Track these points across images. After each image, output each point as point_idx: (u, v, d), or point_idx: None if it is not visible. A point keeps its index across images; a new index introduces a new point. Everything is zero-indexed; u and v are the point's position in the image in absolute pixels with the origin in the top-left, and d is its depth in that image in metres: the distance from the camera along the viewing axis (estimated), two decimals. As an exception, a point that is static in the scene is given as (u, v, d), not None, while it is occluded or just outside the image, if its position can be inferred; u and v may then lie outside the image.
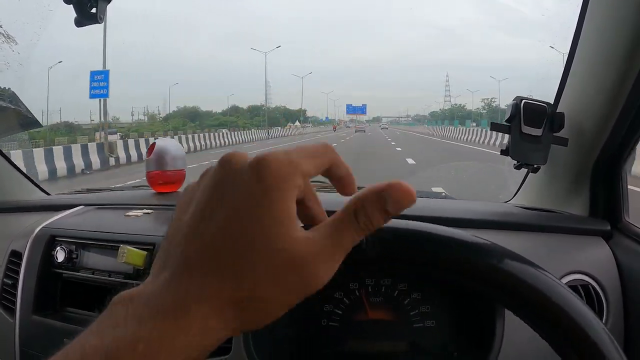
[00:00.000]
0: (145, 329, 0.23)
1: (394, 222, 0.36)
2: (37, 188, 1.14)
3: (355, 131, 48.77)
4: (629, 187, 0.77)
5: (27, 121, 1.04)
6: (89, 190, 1.16)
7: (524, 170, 0.84)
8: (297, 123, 76.52)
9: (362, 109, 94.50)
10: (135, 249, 0.69)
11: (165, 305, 0.24)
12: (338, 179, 0.30)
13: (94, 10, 0.78)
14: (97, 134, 21.46)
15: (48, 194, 1.14)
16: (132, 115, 70.26)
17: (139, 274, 0.71)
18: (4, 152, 1.06)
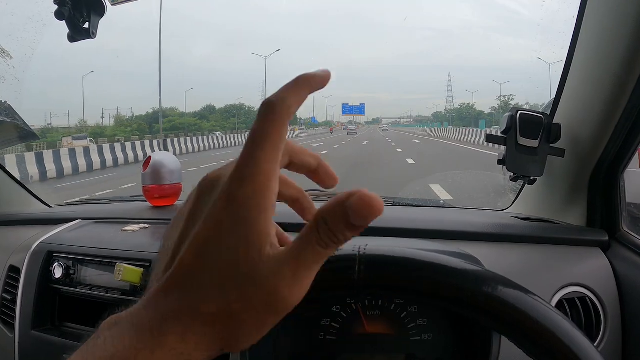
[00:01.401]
0: (124, 344, 0.24)
1: (385, 250, 0.36)
2: (36, 199, 1.14)
3: (347, 133, 46.31)
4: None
5: (24, 134, 1.05)
6: (87, 201, 1.16)
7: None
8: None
9: (359, 109, 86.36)
10: (131, 267, 0.69)
11: (146, 320, 0.25)
12: (313, 172, 0.31)
13: (86, 25, 0.78)
14: (65, 140, 20.59)
15: (49, 206, 1.15)
16: (102, 117, 63.83)
17: (135, 291, 0.71)
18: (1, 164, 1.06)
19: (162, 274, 0.27)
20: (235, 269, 0.25)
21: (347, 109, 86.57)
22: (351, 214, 0.24)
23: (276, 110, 0.26)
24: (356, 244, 0.35)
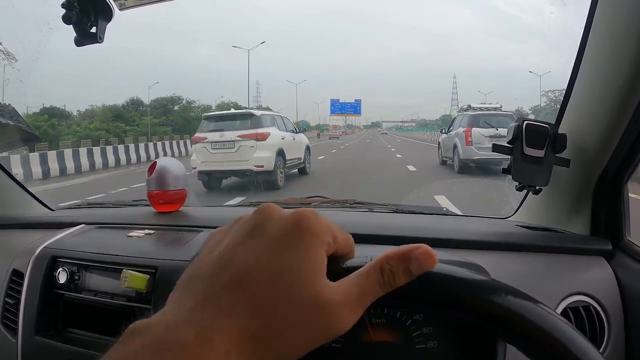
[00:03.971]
0: (172, 355, 0.23)
1: None
2: (38, 202, 1.14)
3: (329, 138, 39.89)
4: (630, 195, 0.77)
5: (27, 137, 1.04)
6: (90, 205, 1.15)
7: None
8: None
9: (354, 107, 63.26)
10: (137, 273, 0.69)
11: (187, 336, 0.24)
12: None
13: (93, 29, 0.78)
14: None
15: (51, 209, 1.14)
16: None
17: (141, 298, 0.71)
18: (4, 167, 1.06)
19: (207, 284, 0.26)
20: (296, 290, 0.26)
21: (338, 107, 63.64)
22: (413, 263, 0.29)
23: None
24: (367, 254, 0.36)
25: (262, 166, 6.66)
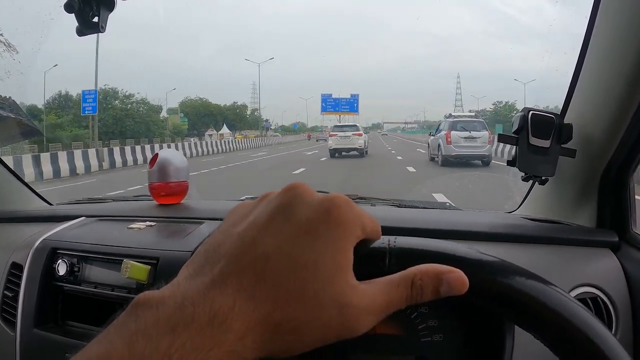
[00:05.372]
0: (180, 339, 0.22)
1: (416, 243, 0.36)
2: (38, 197, 1.13)
3: (317, 140, 36.01)
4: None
5: (28, 130, 1.04)
6: (90, 200, 1.15)
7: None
8: (222, 131, 44.05)
9: (350, 104, 49.87)
10: (138, 264, 0.68)
11: (203, 314, 0.23)
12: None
13: (95, 19, 0.78)
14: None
15: (50, 204, 1.13)
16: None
17: (142, 289, 0.70)
18: (4, 160, 1.05)
19: (226, 261, 0.25)
20: (321, 283, 0.25)
21: (330, 105, 49.63)
22: (445, 285, 0.29)
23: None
24: (385, 238, 0.35)
25: (361, 147, 15.73)
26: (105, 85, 34.49)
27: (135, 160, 15.26)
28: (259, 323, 0.24)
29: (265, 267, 0.25)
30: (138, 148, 16.21)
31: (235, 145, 26.22)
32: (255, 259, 0.25)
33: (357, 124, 18.60)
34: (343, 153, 15.47)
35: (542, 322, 0.32)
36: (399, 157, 15.09)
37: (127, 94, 36.00)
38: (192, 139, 29.70)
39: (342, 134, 15.81)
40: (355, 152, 15.54)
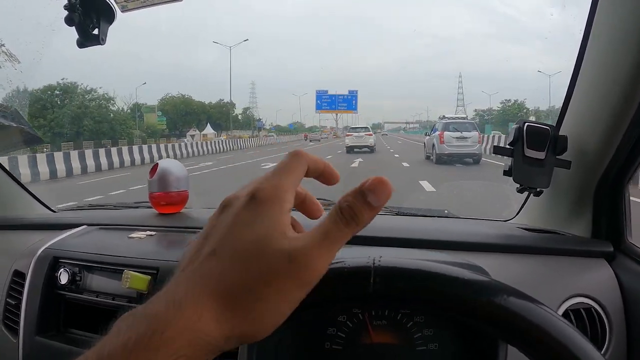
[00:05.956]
0: (137, 332, 0.25)
1: (401, 262, 0.36)
2: (40, 204, 1.14)
3: (310, 140, 34.62)
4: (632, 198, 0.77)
5: (29, 138, 1.05)
6: (91, 206, 1.16)
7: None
8: (202, 131, 38.51)
9: (348, 102, 44.76)
10: (138, 274, 0.69)
11: (159, 306, 0.26)
12: (320, 175, 0.34)
13: (96, 31, 0.79)
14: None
15: (51, 210, 1.14)
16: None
17: (142, 298, 0.71)
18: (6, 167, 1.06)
19: (182, 262, 0.30)
20: (263, 247, 0.28)
21: (326, 102, 44.42)
22: (368, 194, 0.30)
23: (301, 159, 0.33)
24: (370, 255, 0.36)
25: (371, 144, 18.70)
26: (63, 80, 29.26)
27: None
28: (213, 299, 0.27)
29: (215, 252, 0.29)
30: (75, 153, 11.94)
31: (218, 147, 22.09)
32: (208, 249, 0.29)
33: (368, 126, 22.41)
34: (355, 150, 18.73)
35: (528, 340, 0.33)
36: (396, 155, 16.43)
37: (87, 88, 30.76)
38: (164, 142, 24.05)
39: (356, 134, 19.64)
40: (366, 149, 18.78)
